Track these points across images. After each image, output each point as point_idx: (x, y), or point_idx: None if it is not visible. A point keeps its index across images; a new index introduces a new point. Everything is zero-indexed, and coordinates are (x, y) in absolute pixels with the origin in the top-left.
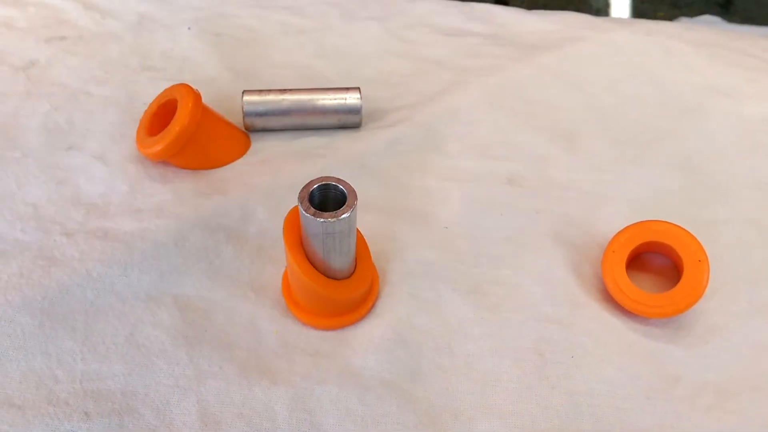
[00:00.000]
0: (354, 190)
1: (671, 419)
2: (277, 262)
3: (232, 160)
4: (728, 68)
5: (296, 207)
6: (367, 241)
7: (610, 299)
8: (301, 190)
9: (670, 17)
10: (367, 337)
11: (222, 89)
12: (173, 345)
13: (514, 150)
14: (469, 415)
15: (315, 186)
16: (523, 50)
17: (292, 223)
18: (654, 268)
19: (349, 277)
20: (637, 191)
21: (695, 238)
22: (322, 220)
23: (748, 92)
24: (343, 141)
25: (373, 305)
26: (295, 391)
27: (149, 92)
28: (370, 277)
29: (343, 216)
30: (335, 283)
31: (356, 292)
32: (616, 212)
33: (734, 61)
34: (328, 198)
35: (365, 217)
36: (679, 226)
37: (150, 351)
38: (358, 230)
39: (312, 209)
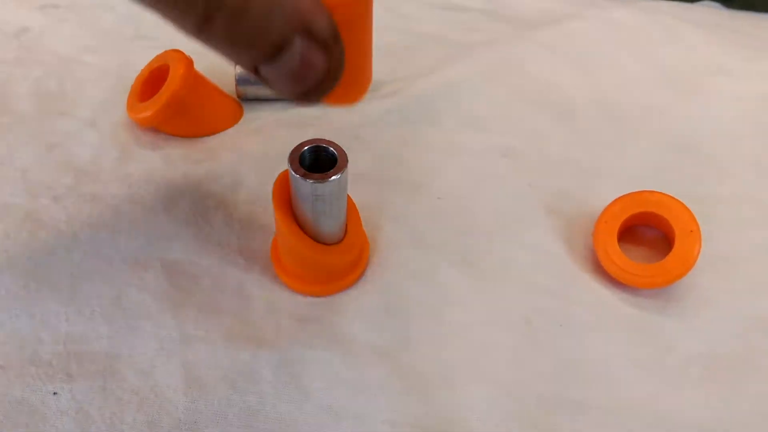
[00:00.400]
0: (345, 153)
1: (660, 389)
2: (266, 229)
3: (224, 128)
4: (729, 48)
5: (286, 171)
6: (358, 210)
7: (601, 271)
8: (292, 152)
9: None
10: (357, 304)
11: (215, 59)
12: (159, 308)
13: (510, 125)
14: (457, 382)
15: (306, 148)
16: (521, 26)
17: (282, 186)
18: (647, 241)
19: (339, 242)
20: (633, 168)
21: (687, 209)
22: (311, 181)
23: (748, 71)
24: (336, 111)
25: (362, 273)
26: (282, 356)
27: (142, 61)
28: (360, 243)
29: (333, 178)
30: (324, 247)
31: (346, 257)
32: (611, 187)
33: (735, 40)
34: (319, 160)
35: (357, 187)
36: (672, 197)
37: (136, 314)
38: (348, 197)
39: (302, 170)
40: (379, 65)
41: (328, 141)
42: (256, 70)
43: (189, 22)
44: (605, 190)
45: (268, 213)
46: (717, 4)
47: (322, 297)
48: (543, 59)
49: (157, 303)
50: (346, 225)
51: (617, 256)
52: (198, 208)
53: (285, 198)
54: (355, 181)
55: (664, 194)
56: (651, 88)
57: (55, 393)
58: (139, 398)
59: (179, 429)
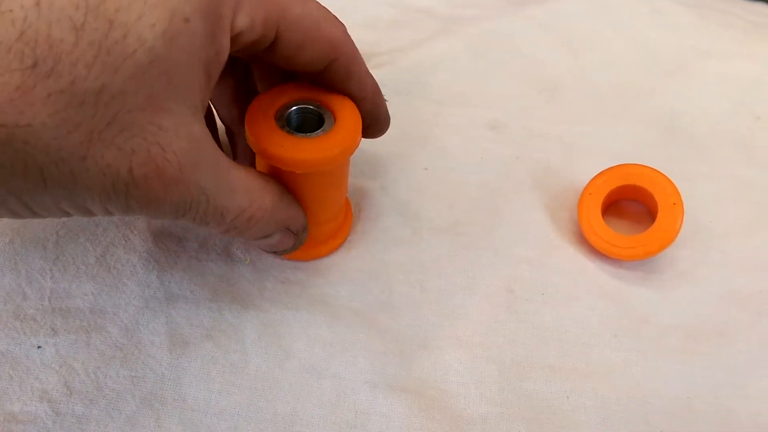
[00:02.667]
0: (332, 114)
1: (636, 357)
2: None
3: None
4: (716, 29)
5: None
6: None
7: (584, 243)
8: (277, 110)
9: None
10: (340, 269)
11: None
12: (144, 268)
13: (497, 99)
14: (436, 345)
15: (293, 108)
16: (510, 2)
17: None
18: (631, 214)
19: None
20: (618, 144)
21: (671, 182)
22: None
23: (734, 53)
24: None
25: (345, 239)
26: (265, 316)
27: None
28: (343, 209)
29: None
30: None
31: (329, 223)
32: (596, 162)
33: (722, 22)
34: (305, 121)
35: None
36: (656, 170)
37: (121, 273)
38: None
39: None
40: (370, 37)
41: (316, 100)
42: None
43: (218, 232)
44: (589, 164)
45: None
46: None
47: (305, 261)
48: (531, 36)
49: (142, 262)
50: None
51: (600, 228)
52: None
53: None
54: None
55: (648, 167)
56: (636, 68)
57: (39, 347)
58: (123, 354)
59: (163, 384)
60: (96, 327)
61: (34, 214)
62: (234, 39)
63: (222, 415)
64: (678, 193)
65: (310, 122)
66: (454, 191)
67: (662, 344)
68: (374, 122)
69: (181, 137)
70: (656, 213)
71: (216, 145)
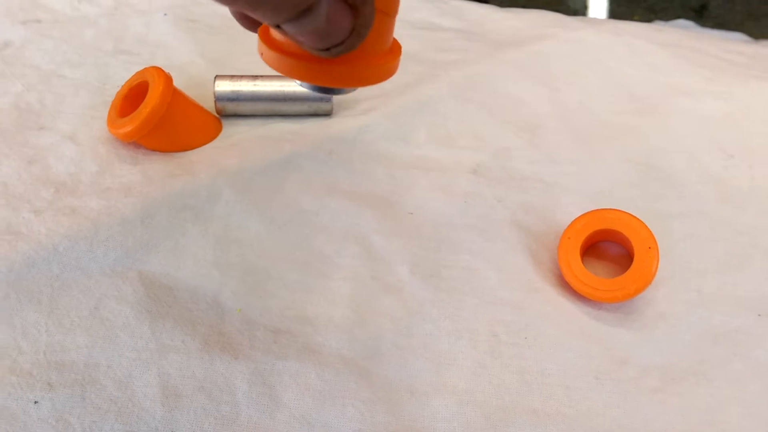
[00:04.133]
0: None
1: (617, 399)
2: (241, 242)
3: (203, 144)
4: (690, 67)
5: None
6: (330, 225)
7: (564, 285)
8: None
9: (646, 21)
10: (328, 317)
11: (195, 76)
12: (137, 319)
13: (480, 141)
14: (424, 392)
15: None
16: (492, 46)
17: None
18: (609, 256)
19: None
20: (596, 184)
21: (646, 227)
22: None
23: (707, 91)
24: (313, 128)
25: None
26: (256, 366)
27: (122, 76)
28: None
29: None
30: None
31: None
32: (575, 203)
33: (696, 61)
34: None
35: (330, 203)
36: (631, 215)
37: (114, 324)
38: None
39: None
40: None
41: None
42: (277, 26)
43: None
44: (570, 205)
45: (242, 227)
46: (691, 23)
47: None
48: (512, 78)
49: (134, 314)
50: None
51: (580, 271)
52: (174, 220)
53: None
54: (328, 195)
55: (624, 212)
56: (614, 107)
57: (35, 402)
58: (117, 407)
59: None
60: (90, 381)
61: None
62: None
63: None
64: (653, 237)
65: None
66: (439, 235)
67: (641, 385)
68: None
69: None
70: (633, 255)
71: None
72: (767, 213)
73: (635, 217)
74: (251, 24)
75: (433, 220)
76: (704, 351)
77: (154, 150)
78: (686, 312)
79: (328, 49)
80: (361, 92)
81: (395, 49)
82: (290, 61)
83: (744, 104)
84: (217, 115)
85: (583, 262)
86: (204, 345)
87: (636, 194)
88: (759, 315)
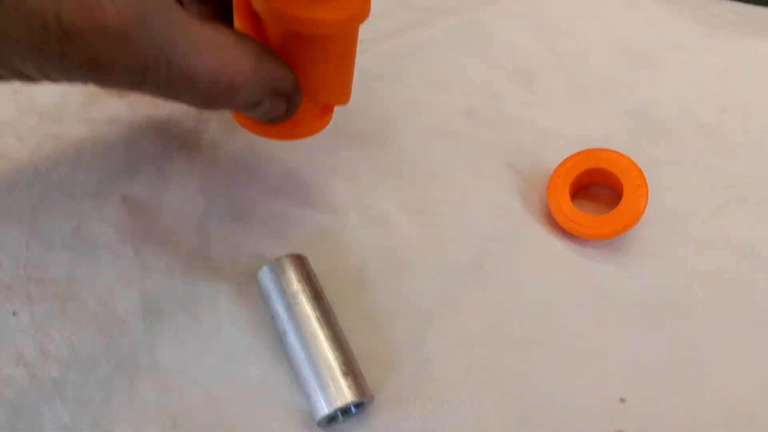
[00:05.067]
0: None
1: (597, 330)
2: (227, 173)
3: None
4: (688, 24)
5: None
6: (320, 160)
7: (552, 224)
8: None
9: None
10: (316, 249)
11: None
12: (119, 240)
13: (474, 86)
14: (407, 317)
15: None
16: None
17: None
18: (600, 198)
19: None
20: (589, 130)
21: (636, 165)
22: None
23: (704, 47)
24: None
25: (328, 121)
26: (239, 287)
27: None
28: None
29: None
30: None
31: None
32: (567, 147)
33: (695, 17)
34: None
35: (322, 140)
36: (622, 154)
37: (96, 244)
38: None
39: None
40: None
41: None
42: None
43: (196, 106)
44: (561, 149)
45: (229, 157)
46: None
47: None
48: (509, 26)
49: (117, 235)
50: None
51: (568, 208)
52: (160, 148)
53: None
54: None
55: (615, 151)
56: (610, 58)
57: (14, 313)
58: (98, 321)
59: (137, 350)
60: (71, 296)
61: None
62: None
63: (195, 379)
64: (643, 175)
65: None
66: (428, 173)
67: (624, 317)
68: None
69: None
70: (622, 194)
71: None
72: (760, 163)
73: (626, 156)
74: None
75: (423, 160)
76: (689, 289)
77: None
78: (673, 252)
79: (270, 121)
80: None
81: (324, 112)
82: (249, 123)
83: (739, 60)
84: None
85: (573, 203)
86: (187, 267)
87: (629, 142)
88: (744, 257)
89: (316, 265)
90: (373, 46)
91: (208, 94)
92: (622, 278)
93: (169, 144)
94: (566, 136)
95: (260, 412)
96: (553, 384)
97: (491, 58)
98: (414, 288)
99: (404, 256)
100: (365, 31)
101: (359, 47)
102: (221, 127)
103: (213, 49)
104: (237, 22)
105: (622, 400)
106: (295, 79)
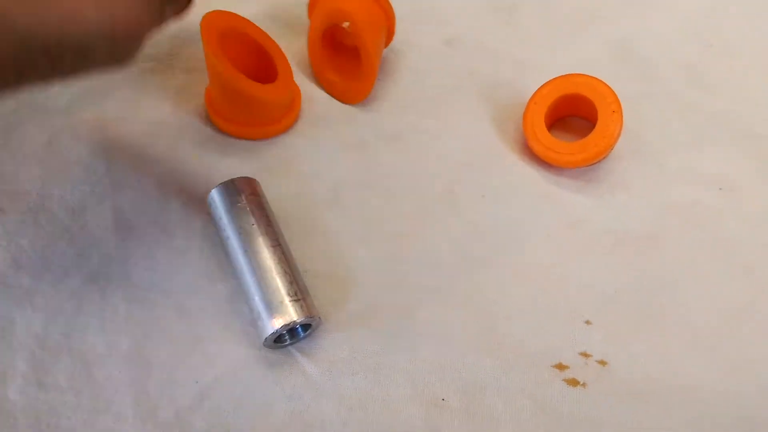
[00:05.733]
0: None
1: (566, 256)
2: (200, 96)
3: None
4: None
5: (213, 11)
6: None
7: (528, 153)
8: None
9: None
10: (290, 170)
11: None
12: (92, 156)
13: (456, 18)
14: (376, 239)
15: None
16: None
17: (211, 24)
18: (577, 129)
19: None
20: (568, 63)
21: (611, 91)
22: None
23: None
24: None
25: (295, 120)
26: (211, 209)
27: None
28: (291, 86)
29: None
30: (257, 84)
31: (279, 95)
32: (545, 79)
33: None
34: None
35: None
36: (598, 79)
37: (68, 159)
38: (277, 46)
39: None
40: None
41: None
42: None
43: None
44: (540, 80)
45: (203, 82)
46: None
47: (258, 140)
48: None
49: (88, 151)
50: (276, 67)
51: (542, 135)
52: (133, 71)
53: (214, 35)
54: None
55: (591, 77)
56: None
57: None
58: (70, 234)
59: (108, 263)
60: (43, 209)
61: None
62: None
63: (167, 293)
64: (618, 101)
65: None
66: (405, 102)
67: (594, 244)
68: None
69: None
70: (596, 120)
71: None
72: (741, 99)
73: (601, 81)
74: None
75: (401, 89)
76: (660, 220)
77: None
78: (646, 183)
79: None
80: None
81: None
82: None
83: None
84: None
85: (549, 133)
86: (159, 184)
87: (608, 74)
88: (720, 189)
89: (288, 185)
90: None
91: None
92: (595, 208)
93: (143, 65)
94: (546, 68)
95: (228, 325)
96: (519, 304)
97: None
98: (385, 211)
99: (378, 180)
100: None
101: None
102: (196, 51)
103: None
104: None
105: (588, 322)
106: None
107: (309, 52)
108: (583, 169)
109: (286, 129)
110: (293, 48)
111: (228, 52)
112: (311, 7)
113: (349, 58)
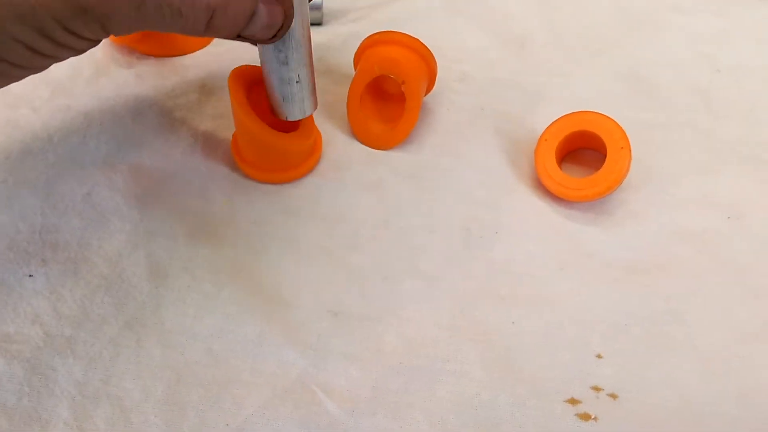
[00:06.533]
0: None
1: (579, 287)
2: (229, 142)
3: (196, 49)
4: None
5: (242, 66)
6: (319, 132)
7: (539, 187)
8: None
9: None
10: (313, 213)
11: None
12: (127, 205)
13: (467, 53)
14: (396, 278)
15: None
16: None
17: (238, 78)
18: (587, 162)
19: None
20: (580, 94)
21: (620, 127)
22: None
23: (703, 8)
24: None
25: (317, 162)
26: (237, 253)
27: None
28: (313, 131)
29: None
30: (280, 134)
31: (301, 141)
32: (557, 112)
33: None
34: None
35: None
36: (606, 116)
37: (105, 209)
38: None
39: None
40: None
41: None
42: (238, 36)
43: (195, 31)
44: (552, 114)
45: (231, 128)
46: None
47: (280, 183)
48: None
49: (124, 200)
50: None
51: (554, 171)
52: (165, 118)
53: (242, 90)
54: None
55: (599, 114)
56: (605, 21)
57: (30, 275)
58: (107, 283)
59: (143, 310)
60: (82, 258)
61: None
62: None
63: (197, 337)
64: (626, 137)
65: None
66: (419, 139)
67: (605, 275)
68: None
69: None
70: (606, 155)
71: None
72: (749, 124)
73: (609, 118)
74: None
75: (416, 127)
76: (671, 248)
77: (148, 54)
78: (656, 212)
79: (275, 35)
80: (352, 2)
81: (313, 153)
82: (253, 171)
83: (738, 22)
84: None
85: (561, 168)
86: (190, 231)
87: (620, 104)
88: (728, 218)
89: (314, 226)
90: (370, 13)
91: (208, 8)
92: (606, 239)
93: (174, 114)
94: (557, 100)
95: (257, 367)
96: (533, 339)
97: (486, 24)
98: (405, 252)
99: (396, 220)
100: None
101: (357, 14)
102: (225, 97)
103: None
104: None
105: (599, 356)
106: None
107: (349, 100)
108: (594, 200)
109: (308, 171)
110: None
111: (253, 101)
112: (357, 57)
113: (390, 104)
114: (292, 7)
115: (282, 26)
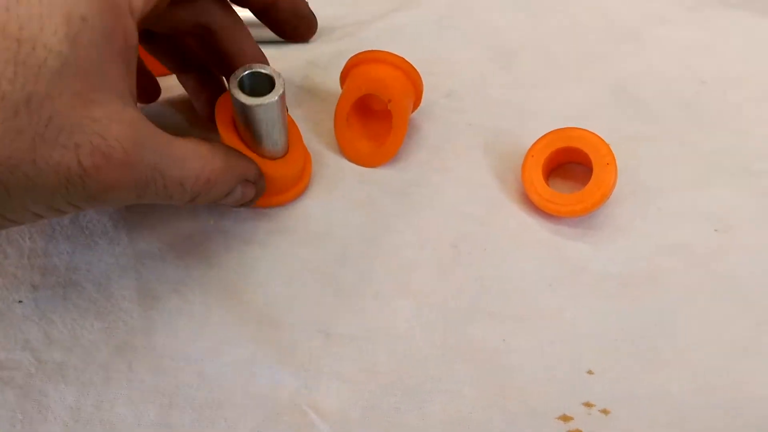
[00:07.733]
0: (281, 75)
1: (569, 303)
2: None
3: None
4: None
5: (226, 93)
6: (309, 154)
7: (527, 203)
8: (231, 77)
9: None
10: (301, 231)
11: None
12: (114, 228)
13: (455, 67)
14: (386, 296)
15: (244, 73)
16: None
17: (224, 106)
18: (575, 176)
19: (282, 157)
20: (567, 109)
21: (605, 143)
22: (253, 104)
23: (688, 20)
24: (290, 53)
25: (307, 186)
26: (227, 274)
27: None
28: (302, 158)
29: (270, 100)
30: (267, 161)
31: (289, 170)
32: (545, 127)
33: None
34: (257, 83)
35: (302, 125)
36: (591, 132)
37: (93, 232)
38: (290, 117)
39: (243, 95)
40: (334, 11)
41: (266, 66)
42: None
43: (184, 202)
44: (539, 129)
45: None
46: None
47: (266, 207)
48: (491, 6)
49: (112, 223)
50: (288, 143)
51: (541, 187)
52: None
53: (227, 118)
54: (300, 119)
55: (584, 130)
56: (592, 35)
57: (20, 301)
58: (96, 307)
59: (134, 334)
60: (71, 283)
61: (10, 222)
62: (144, 18)
63: (188, 360)
64: (611, 153)
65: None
66: (407, 156)
67: (595, 291)
68: (298, 19)
69: (117, 123)
70: (592, 171)
71: (153, 125)
72: (735, 137)
73: (595, 134)
74: None
75: (405, 144)
76: (660, 262)
77: None
78: (645, 226)
79: (244, 204)
80: (340, 20)
81: (301, 180)
82: None
83: (722, 33)
84: None
85: (548, 182)
86: (180, 253)
87: (606, 118)
88: (716, 230)
89: (302, 245)
90: (357, 30)
91: (193, 192)
92: (594, 253)
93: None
94: (544, 115)
95: (249, 389)
96: (524, 356)
97: (474, 38)
98: (395, 269)
99: (386, 236)
100: (350, 16)
101: (344, 32)
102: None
103: (193, 157)
104: (220, 126)
105: (590, 372)
106: (258, 168)
107: (336, 120)
108: (582, 216)
109: (298, 195)
110: (295, 113)
111: (241, 128)
112: (343, 76)
113: (376, 122)
114: (265, 185)
115: (251, 201)
